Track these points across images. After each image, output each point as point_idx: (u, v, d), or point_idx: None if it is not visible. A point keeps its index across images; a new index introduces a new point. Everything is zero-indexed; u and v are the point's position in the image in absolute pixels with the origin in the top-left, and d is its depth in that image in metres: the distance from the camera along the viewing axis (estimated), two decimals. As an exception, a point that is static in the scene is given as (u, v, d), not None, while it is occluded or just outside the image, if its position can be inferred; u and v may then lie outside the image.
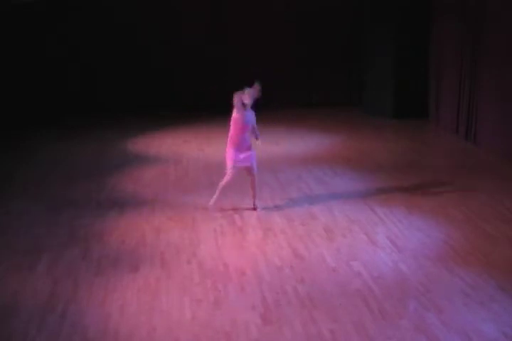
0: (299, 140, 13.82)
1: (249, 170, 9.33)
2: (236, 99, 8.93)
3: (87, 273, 7.43)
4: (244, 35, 16.66)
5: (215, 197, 9.34)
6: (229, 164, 9.19)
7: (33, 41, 15.93)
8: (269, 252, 7.92)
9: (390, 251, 7.90)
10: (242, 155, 9.13)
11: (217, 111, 16.33)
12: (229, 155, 9.15)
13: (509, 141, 11.69)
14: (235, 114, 9.07)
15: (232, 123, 9.10)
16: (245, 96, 8.94)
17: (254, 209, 9.39)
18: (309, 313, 6.39)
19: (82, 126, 15.44)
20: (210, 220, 9.07)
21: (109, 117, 16.10)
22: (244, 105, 8.96)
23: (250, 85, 9.04)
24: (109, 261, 7.76)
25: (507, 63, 11.71)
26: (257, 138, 9.43)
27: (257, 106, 9.30)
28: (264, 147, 12.85)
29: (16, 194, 10.46)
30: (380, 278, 7.15)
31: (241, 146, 9.10)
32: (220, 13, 16.72)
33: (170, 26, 16.54)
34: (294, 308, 6.51)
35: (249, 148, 9.21)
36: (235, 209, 9.46)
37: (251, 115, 9.14)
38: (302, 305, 6.57)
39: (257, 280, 7.16)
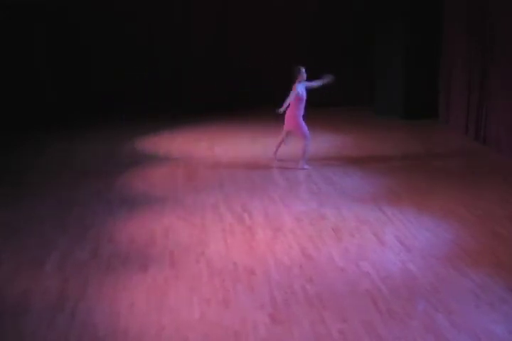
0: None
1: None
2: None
3: (97, 271, 7.45)
4: (254, 35, 16.69)
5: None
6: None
7: (36, 40, 15.96)
8: (278, 252, 7.92)
9: (398, 251, 7.89)
10: None
11: (228, 111, 16.47)
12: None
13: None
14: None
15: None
16: None
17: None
18: (318, 313, 6.39)
19: (92, 126, 15.49)
20: (220, 219, 9.08)
21: (119, 117, 16.15)
22: None
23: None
24: (118, 260, 7.79)
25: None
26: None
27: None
28: (274, 146, 12.98)
29: (26, 193, 10.50)
30: (389, 278, 7.14)
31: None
32: (227, 14, 16.75)
33: (178, 27, 16.59)
34: (303, 308, 6.51)
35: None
36: (244, 209, 9.48)
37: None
38: (311, 304, 6.57)
39: (266, 279, 7.16)
